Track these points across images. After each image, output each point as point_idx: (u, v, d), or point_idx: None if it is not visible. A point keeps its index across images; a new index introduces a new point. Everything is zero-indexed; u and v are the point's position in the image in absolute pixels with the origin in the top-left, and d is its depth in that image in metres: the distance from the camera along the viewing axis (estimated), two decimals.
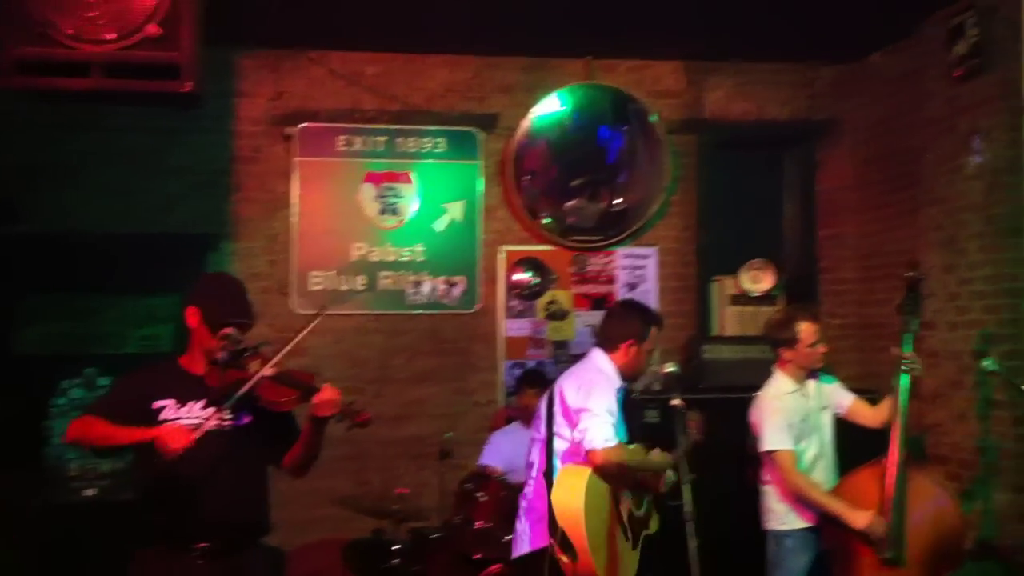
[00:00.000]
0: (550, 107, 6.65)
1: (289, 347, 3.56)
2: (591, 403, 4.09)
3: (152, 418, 3.49)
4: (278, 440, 3.70)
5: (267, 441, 3.64)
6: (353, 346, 6.45)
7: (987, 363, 4.77)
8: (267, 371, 3.50)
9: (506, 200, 6.70)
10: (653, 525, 4.37)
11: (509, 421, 6.08)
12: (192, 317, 3.63)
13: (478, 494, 5.08)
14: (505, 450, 5.75)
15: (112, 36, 4.39)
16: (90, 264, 6.11)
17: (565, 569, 3.91)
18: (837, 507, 4.55)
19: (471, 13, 5.81)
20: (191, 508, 3.47)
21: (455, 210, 6.66)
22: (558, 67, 6.78)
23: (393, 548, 5.24)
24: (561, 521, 3.93)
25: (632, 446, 4.22)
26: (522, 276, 6.70)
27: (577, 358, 6.44)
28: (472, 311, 6.63)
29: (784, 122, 7.06)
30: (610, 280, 6.81)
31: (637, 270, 6.83)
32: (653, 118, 6.73)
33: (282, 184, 6.49)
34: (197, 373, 3.60)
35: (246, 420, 3.61)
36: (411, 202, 6.59)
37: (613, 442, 4.00)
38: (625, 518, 4.18)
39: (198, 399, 3.55)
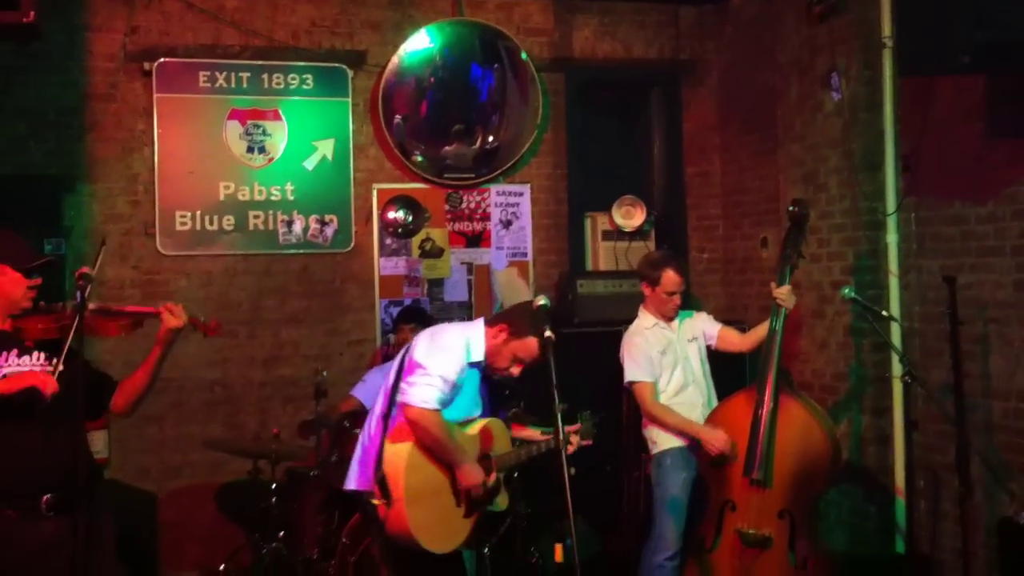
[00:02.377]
0: (419, 44, 6.58)
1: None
2: (430, 363, 3.93)
3: None
4: (92, 387, 3.58)
5: (78, 387, 3.43)
6: (223, 288, 6.29)
7: (846, 291, 4.98)
8: (91, 306, 3.45)
9: (377, 138, 6.61)
10: (499, 503, 4.20)
11: (387, 360, 6.05)
12: None
13: (355, 431, 5.03)
14: (378, 386, 5.72)
15: None
16: None
17: (378, 512, 3.85)
18: (694, 429, 4.82)
19: None
20: (31, 462, 3.38)
21: (326, 148, 6.51)
22: (426, 3, 6.69)
23: (269, 488, 5.18)
24: (386, 467, 3.88)
25: (463, 428, 4.10)
26: (395, 214, 6.63)
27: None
28: (346, 250, 6.53)
29: (650, 62, 7.14)
30: (485, 217, 6.81)
31: (511, 207, 6.85)
32: (524, 56, 6.73)
33: (142, 122, 6.23)
34: None
35: (61, 368, 3.41)
36: (280, 140, 6.41)
37: (430, 407, 3.86)
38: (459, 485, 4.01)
39: (9, 350, 3.46)
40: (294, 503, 5.34)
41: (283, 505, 5.23)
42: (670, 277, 4.95)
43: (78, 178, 6.13)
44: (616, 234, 6.81)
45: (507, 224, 6.84)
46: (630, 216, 6.82)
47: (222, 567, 5.33)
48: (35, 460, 3.38)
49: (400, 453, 3.85)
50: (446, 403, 3.92)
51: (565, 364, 3.80)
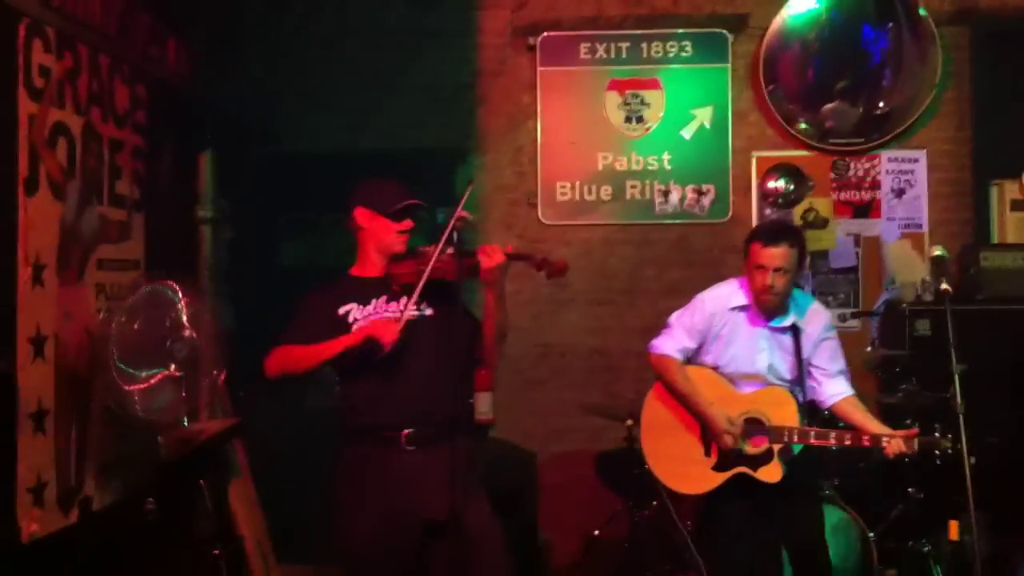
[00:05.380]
0: (805, 4, 6.27)
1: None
2: (674, 315, 4.55)
3: (342, 325, 3.53)
4: (465, 329, 3.63)
5: (453, 331, 3.54)
6: (602, 257, 6.36)
7: None
8: (448, 249, 3.46)
9: (758, 105, 6.38)
10: (767, 475, 4.20)
11: None
12: (362, 217, 3.62)
13: None
14: None
15: None
16: (341, 181, 6.26)
17: None
18: None
19: None
20: (394, 400, 3.50)
21: (703, 116, 6.38)
22: None
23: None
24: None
25: (738, 388, 4.34)
26: (776, 183, 6.37)
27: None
28: (723, 221, 6.37)
29: None
30: (874, 186, 6.36)
31: (904, 175, 6.35)
32: (922, 11, 6.21)
33: (527, 95, 6.43)
34: (372, 275, 3.61)
35: (429, 312, 3.58)
36: (657, 109, 6.37)
37: (660, 352, 4.45)
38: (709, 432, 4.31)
39: (379, 296, 3.57)
40: None
41: None
42: None
43: (469, 150, 6.44)
44: None
45: (899, 193, 6.35)
46: None
47: (597, 532, 5.40)
48: (400, 396, 3.51)
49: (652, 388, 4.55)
50: (686, 351, 4.43)
51: (966, 343, 3.70)
